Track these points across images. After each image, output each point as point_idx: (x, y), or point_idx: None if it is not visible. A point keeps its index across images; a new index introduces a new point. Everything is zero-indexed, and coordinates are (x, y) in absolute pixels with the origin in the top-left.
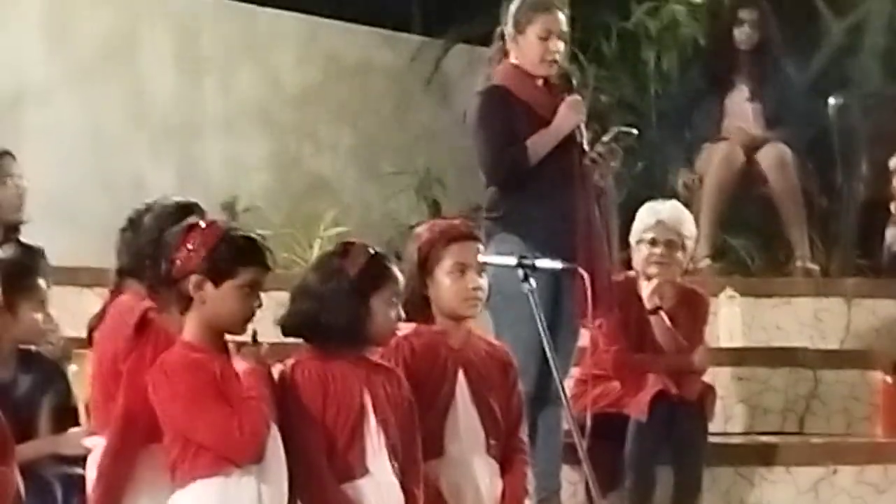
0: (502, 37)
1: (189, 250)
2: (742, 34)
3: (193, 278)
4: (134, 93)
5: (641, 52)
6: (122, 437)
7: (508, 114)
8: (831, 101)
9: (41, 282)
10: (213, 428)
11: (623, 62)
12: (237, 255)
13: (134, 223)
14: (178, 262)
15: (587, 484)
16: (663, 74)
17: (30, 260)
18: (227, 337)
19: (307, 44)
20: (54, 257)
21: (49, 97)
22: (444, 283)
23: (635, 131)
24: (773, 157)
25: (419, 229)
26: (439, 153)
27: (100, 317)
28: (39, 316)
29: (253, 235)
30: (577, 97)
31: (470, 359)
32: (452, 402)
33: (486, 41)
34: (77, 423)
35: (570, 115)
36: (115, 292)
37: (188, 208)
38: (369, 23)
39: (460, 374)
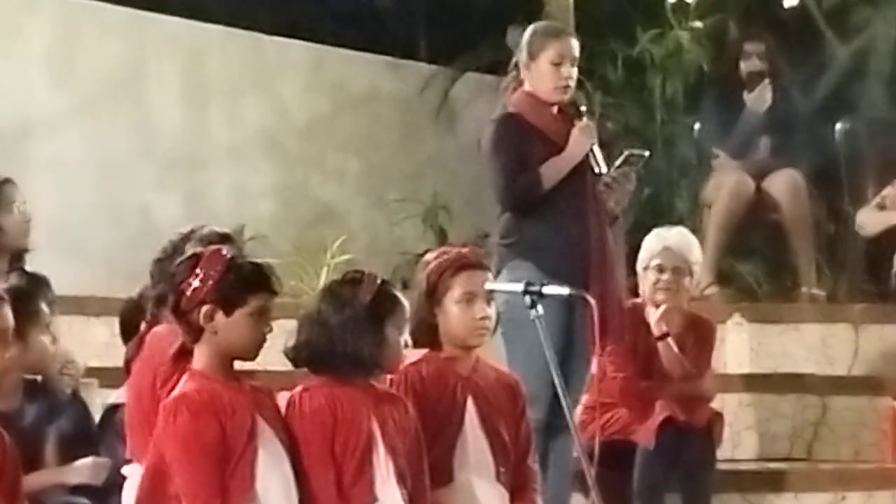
0: (517, 66)
1: (198, 281)
2: (749, 66)
3: (204, 308)
4: (140, 123)
5: (647, 78)
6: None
7: (522, 140)
8: (838, 126)
9: (45, 307)
10: (188, 491)
11: (629, 89)
12: (246, 282)
13: (169, 252)
14: (186, 293)
15: None
16: (668, 101)
17: (33, 286)
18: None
19: (314, 72)
20: (61, 287)
21: (55, 128)
22: (452, 311)
23: (647, 153)
24: (786, 183)
25: (428, 257)
26: (446, 181)
27: (137, 347)
28: (48, 340)
29: (259, 262)
30: (587, 122)
31: (479, 386)
32: (461, 430)
33: (493, 69)
34: (94, 451)
35: (581, 139)
36: (152, 322)
37: (225, 237)
38: (376, 51)
39: (469, 402)
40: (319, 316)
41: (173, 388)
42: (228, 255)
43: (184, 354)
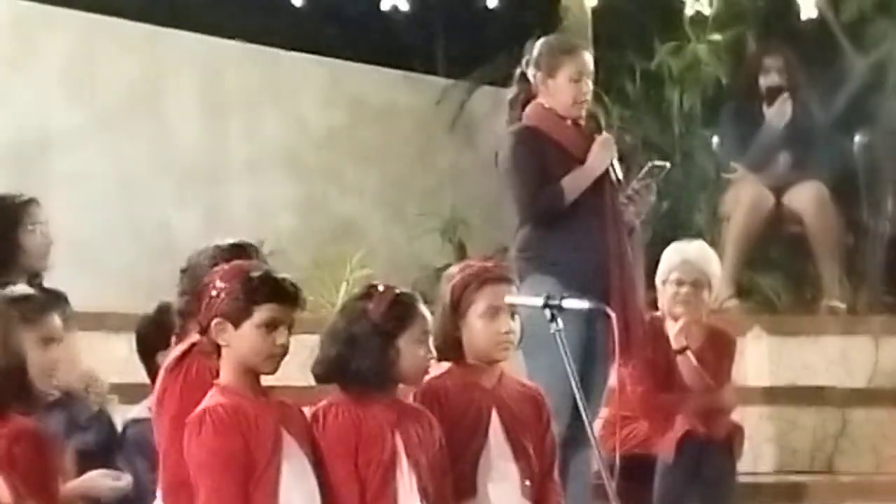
0: (522, 78)
1: (212, 296)
2: (768, 80)
3: (215, 322)
4: (159, 138)
5: (665, 91)
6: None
7: (543, 154)
8: (856, 138)
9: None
10: (213, 500)
11: (647, 102)
12: (251, 294)
13: (191, 264)
14: (203, 307)
15: None
16: (687, 114)
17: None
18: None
19: (331, 87)
20: (80, 303)
21: (75, 144)
22: (476, 326)
23: (668, 164)
24: (810, 196)
25: (451, 270)
26: (464, 195)
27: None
28: (60, 351)
29: (271, 273)
30: (608, 136)
31: (503, 399)
32: (486, 443)
33: (508, 82)
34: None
35: (602, 153)
36: (180, 335)
37: (241, 248)
38: (393, 65)
39: (494, 415)
40: (336, 331)
41: (168, 398)
42: (241, 268)
43: (181, 360)
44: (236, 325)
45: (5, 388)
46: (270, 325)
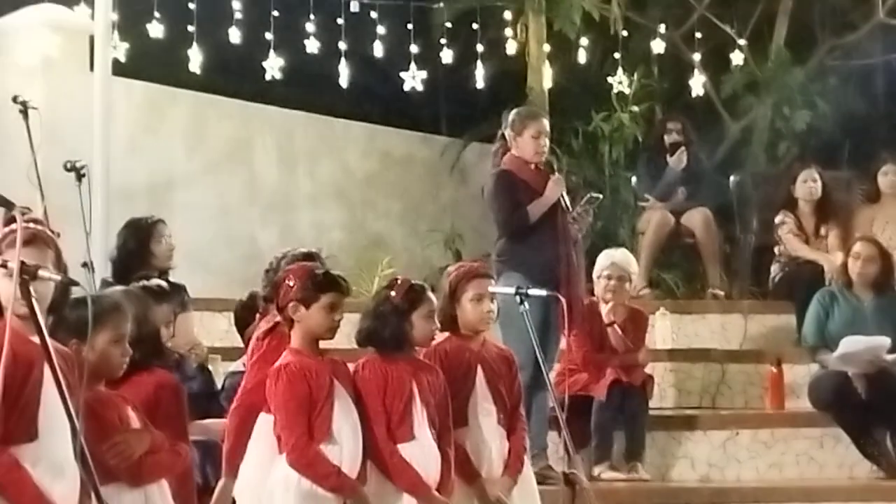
0: (503, 137)
1: (289, 286)
2: (670, 138)
3: (291, 304)
4: (249, 179)
5: (599, 146)
6: (246, 399)
7: (514, 189)
8: (731, 178)
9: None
10: (286, 430)
11: (586, 153)
12: (318, 285)
13: (273, 266)
14: (281, 294)
15: (565, 444)
16: (614, 161)
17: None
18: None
19: (368, 143)
20: (194, 292)
21: (190, 183)
22: (467, 307)
23: (601, 196)
24: (700, 218)
25: (450, 269)
26: (460, 218)
27: (265, 332)
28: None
29: (330, 271)
30: (559, 176)
31: (485, 358)
32: (473, 389)
33: (492, 140)
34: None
35: (555, 188)
36: (263, 314)
37: (308, 255)
38: (411, 128)
39: (479, 369)
40: (370, 311)
41: (263, 357)
42: (308, 268)
43: (270, 333)
44: (307, 307)
45: (147, 349)
46: (330, 307)
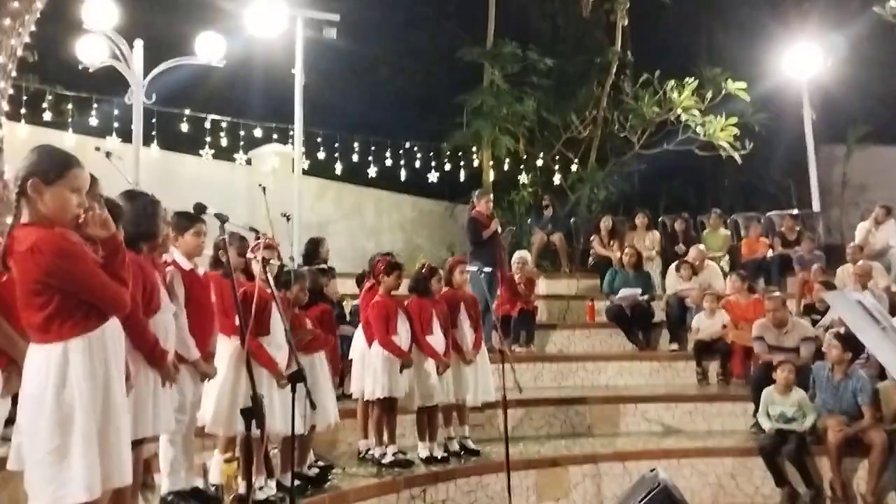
0: (472, 200)
1: (380, 269)
2: (545, 202)
3: (381, 276)
4: (360, 223)
5: (515, 205)
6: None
7: (477, 224)
8: (572, 220)
9: (327, 278)
10: (371, 329)
11: (509, 208)
12: (392, 268)
13: (370, 260)
14: (376, 273)
15: (499, 336)
16: (522, 213)
17: (327, 270)
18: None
19: (391, 207)
20: (339, 269)
21: (335, 223)
22: (457, 276)
23: (514, 228)
24: (558, 237)
25: (449, 259)
26: (453, 241)
27: (368, 288)
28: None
29: (398, 261)
30: (497, 219)
31: (465, 297)
32: (459, 313)
33: (468, 202)
34: (344, 322)
35: (495, 224)
36: (367, 278)
37: (389, 254)
38: (421, 195)
39: (462, 304)
40: (413, 278)
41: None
42: (390, 259)
43: (369, 290)
44: (388, 276)
45: (318, 296)
46: (397, 279)
